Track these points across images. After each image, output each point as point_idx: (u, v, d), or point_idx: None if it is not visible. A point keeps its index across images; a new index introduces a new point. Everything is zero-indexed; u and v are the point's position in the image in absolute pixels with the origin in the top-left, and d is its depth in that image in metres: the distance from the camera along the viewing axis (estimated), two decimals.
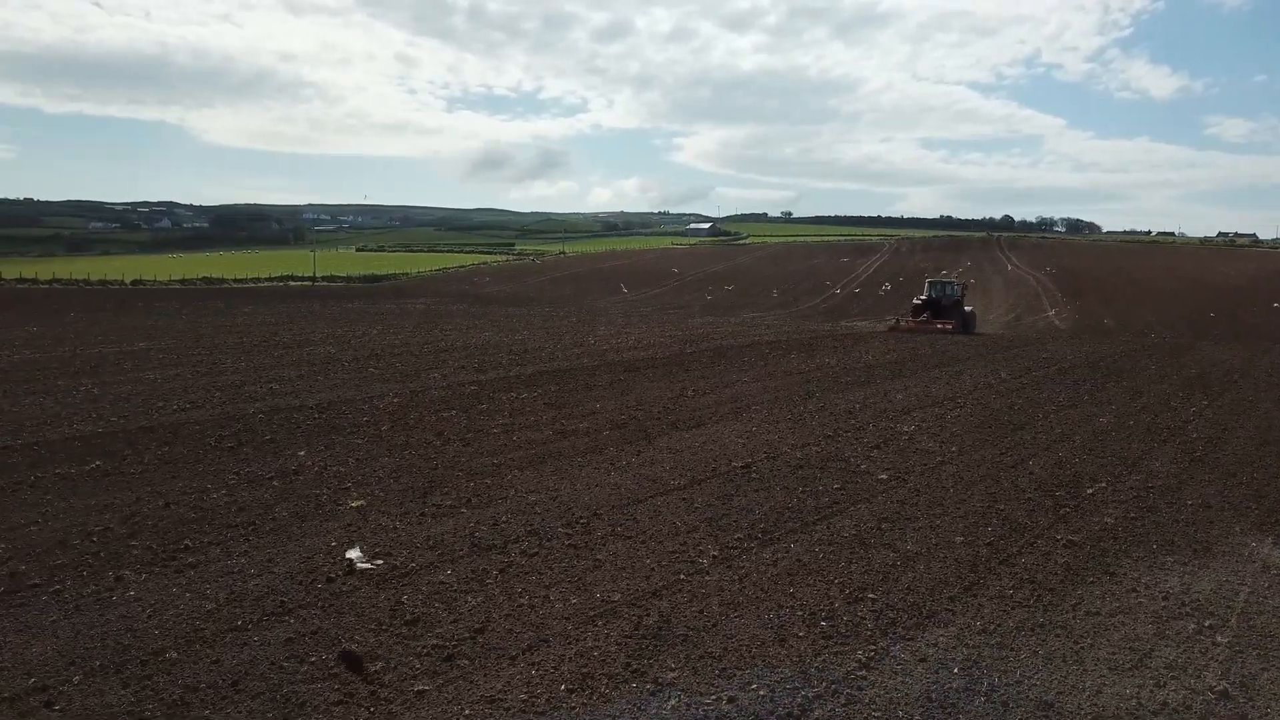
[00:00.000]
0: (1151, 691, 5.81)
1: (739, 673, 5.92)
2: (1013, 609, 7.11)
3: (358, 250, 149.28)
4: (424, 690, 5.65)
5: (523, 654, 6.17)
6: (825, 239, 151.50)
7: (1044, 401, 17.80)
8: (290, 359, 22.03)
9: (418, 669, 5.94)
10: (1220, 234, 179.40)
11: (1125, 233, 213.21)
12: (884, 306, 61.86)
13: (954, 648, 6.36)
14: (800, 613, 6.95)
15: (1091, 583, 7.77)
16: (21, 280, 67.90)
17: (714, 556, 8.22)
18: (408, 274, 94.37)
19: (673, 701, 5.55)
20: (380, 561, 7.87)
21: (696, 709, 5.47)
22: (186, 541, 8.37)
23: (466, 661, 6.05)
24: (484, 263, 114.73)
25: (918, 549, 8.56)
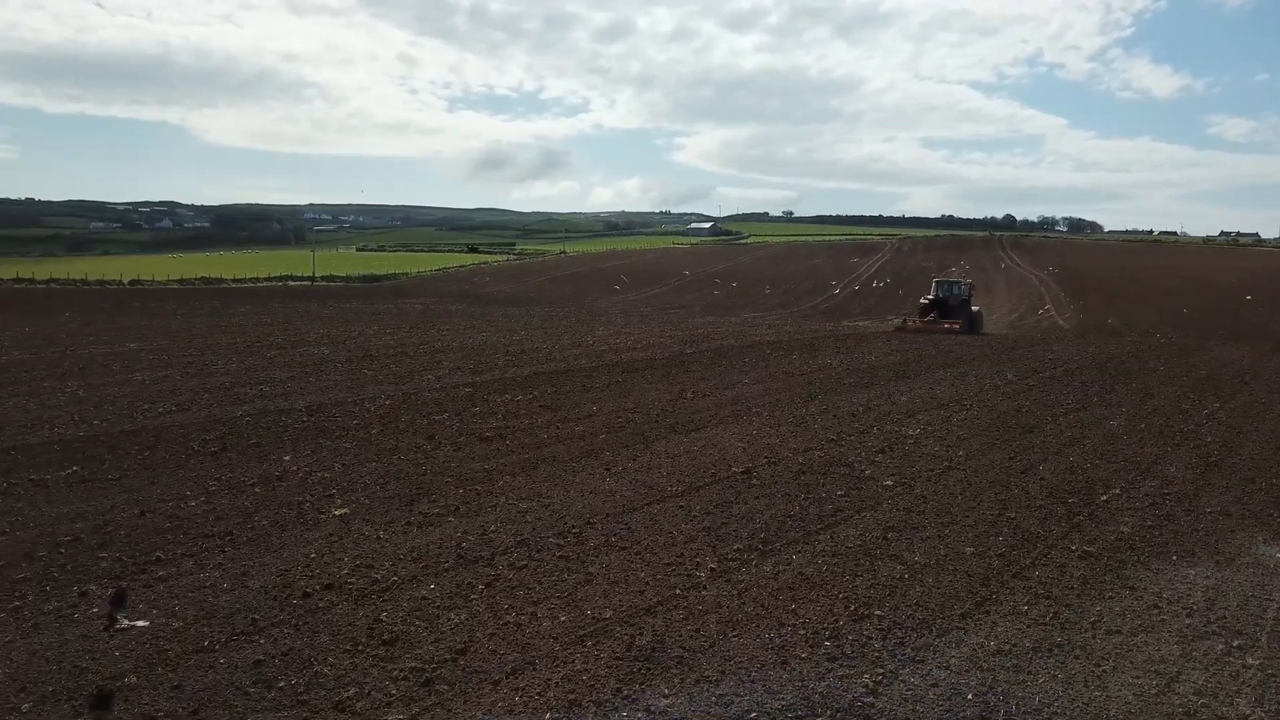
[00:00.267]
0: None
1: (737, 699, 5.52)
2: (1028, 627, 6.70)
3: (358, 250, 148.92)
4: None
5: (506, 678, 5.77)
6: (827, 239, 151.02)
7: (1052, 404, 17.38)
8: (282, 360, 21.64)
9: (392, 694, 5.54)
10: (1222, 233, 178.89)
11: (1127, 232, 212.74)
12: (886, 306, 61.42)
13: (967, 670, 5.96)
14: (803, 631, 6.54)
15: (1110, 597, 7.36)
16: (19, 280, 67.57)
17: (712, 569, 7.81)
18: (407, 274, 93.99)
19: None
20: (143, 622, 6.46)
21: None
22: (158, 553, 7.97)
23: (445, 686, 5.65)
24: (484, 263, 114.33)
25: (926, 560, 8.16)
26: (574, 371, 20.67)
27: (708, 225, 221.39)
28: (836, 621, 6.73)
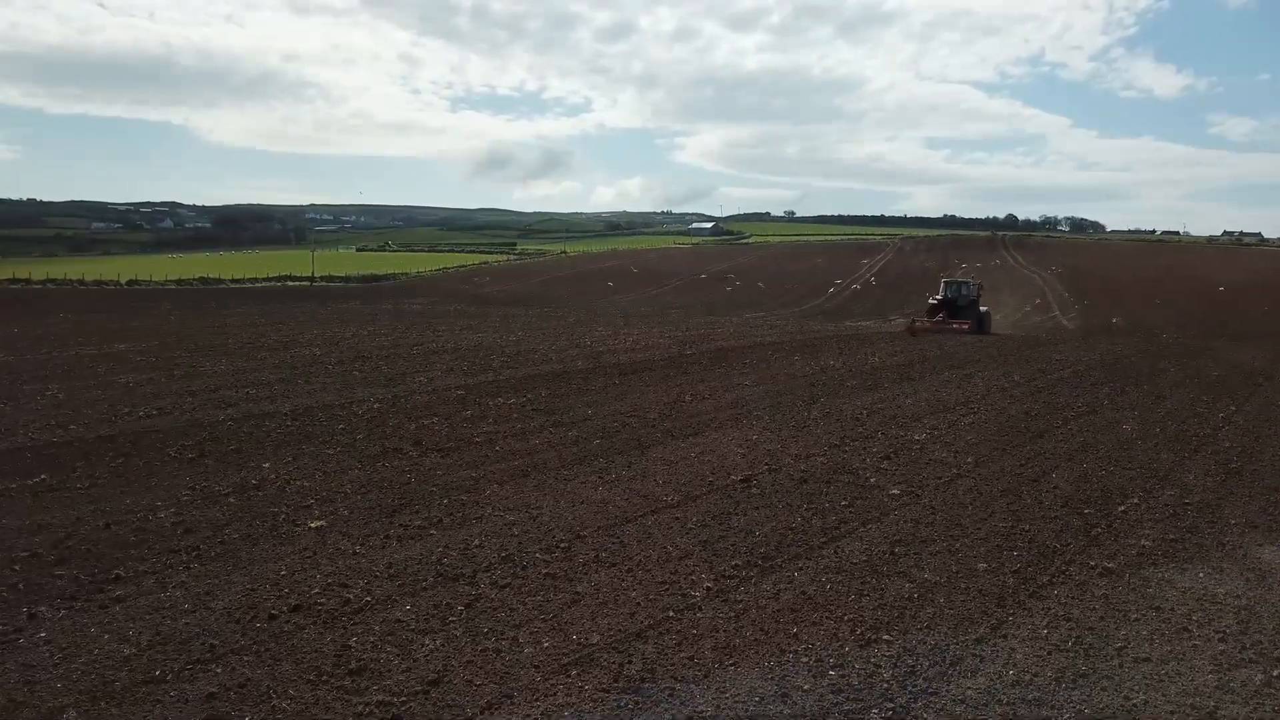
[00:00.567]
0: None
1: None
2: (1049, 654, 6.20)
3: (358, 250, 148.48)
4: None
5: (480, 713, 5.28)
6: (828, 238, 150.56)
7: (1062, 407, 16.86)
8: (272, 362, 21.15)
9: None
10: (1225, 233, 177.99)
11: (1130, 232, 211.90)
12: (888, 306, 60.92)
13: (985, 705, 5.46)
14: (806, 659, 6.05)
15: (1136, 619, 6.85)
16: (14, 280, 67.12)
17: (708, 588, 7.32)
18: (407, 274, 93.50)
19: None
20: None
21: None
22: (119, 570, 7.48)
23: None
24: (485, 263, 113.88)
25: (936, 578, 7.66)
26: (570, 373, 20.18)
27: (709, 225, 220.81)
28: (842, 648, 6.24)
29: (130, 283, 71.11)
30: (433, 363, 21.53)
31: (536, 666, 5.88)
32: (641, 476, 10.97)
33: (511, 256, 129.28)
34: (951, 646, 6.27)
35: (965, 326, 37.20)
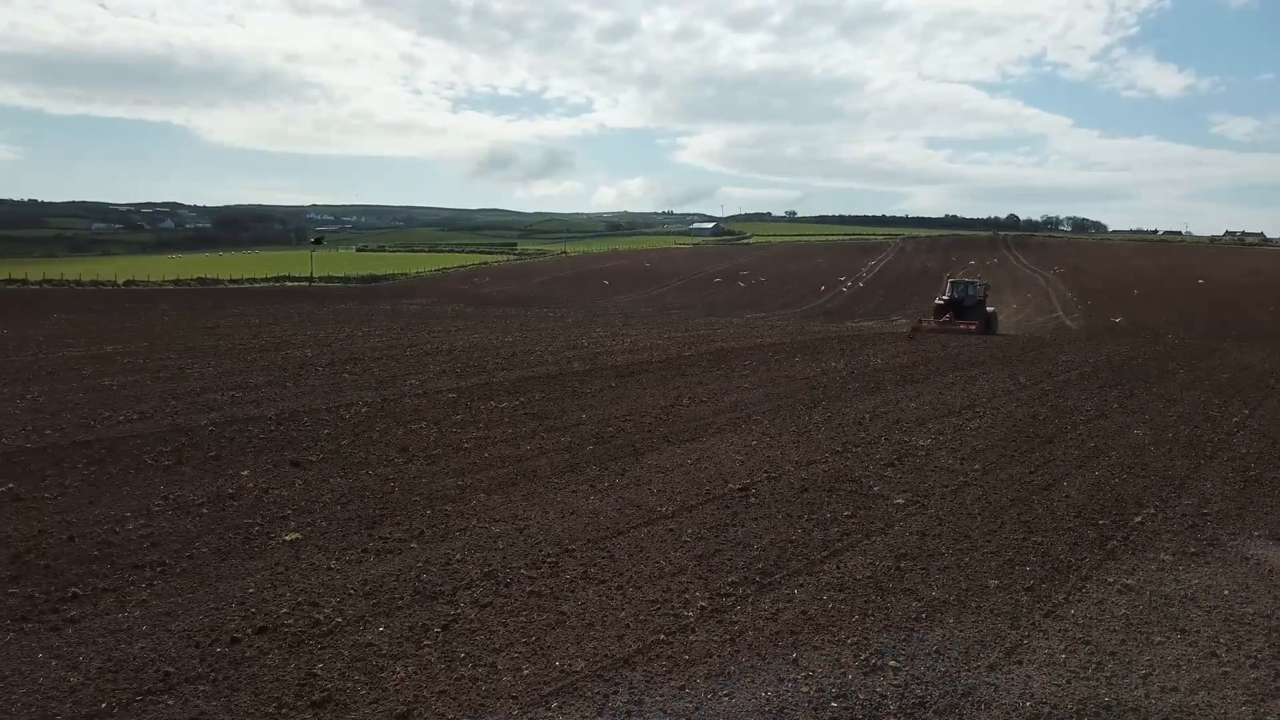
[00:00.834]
0: None
1: None
2: (1068, 682, 5.75)
3: (358, 250, 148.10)
4: None
5: None
6: (830, 238, 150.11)
7: (1070, 410, 16.40)
8: (262, 364, 20.71)
9: None
10: (1228, 233, 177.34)
11: (1131, 232, 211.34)
12: (889, 307, 60.49)
13: None
14: (806, 689, 5.60)
15: (1160, 643, 6.40)
16: (10, 281, 66.71)
17: (702, 608, 6.87)
18: (407, 274, 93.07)
19: None
20: None
21: None
22: (76, 588, 7.04)
23: None
24: (485, 263, 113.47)
25: (945, 596, 7.21)
26: (566, 375, 19.73)
27: (710, 225, 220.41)
28: (845, 675, 5.79)
29: (127, 283, 70.68)
30: (426, 365, 21.09)
31: (514, 698, 5.44)
32: (635, 485, 10.53)
33: (511, 257, 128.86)
34: (963, 674, 5.82)
35: (973, 327, 36.97)
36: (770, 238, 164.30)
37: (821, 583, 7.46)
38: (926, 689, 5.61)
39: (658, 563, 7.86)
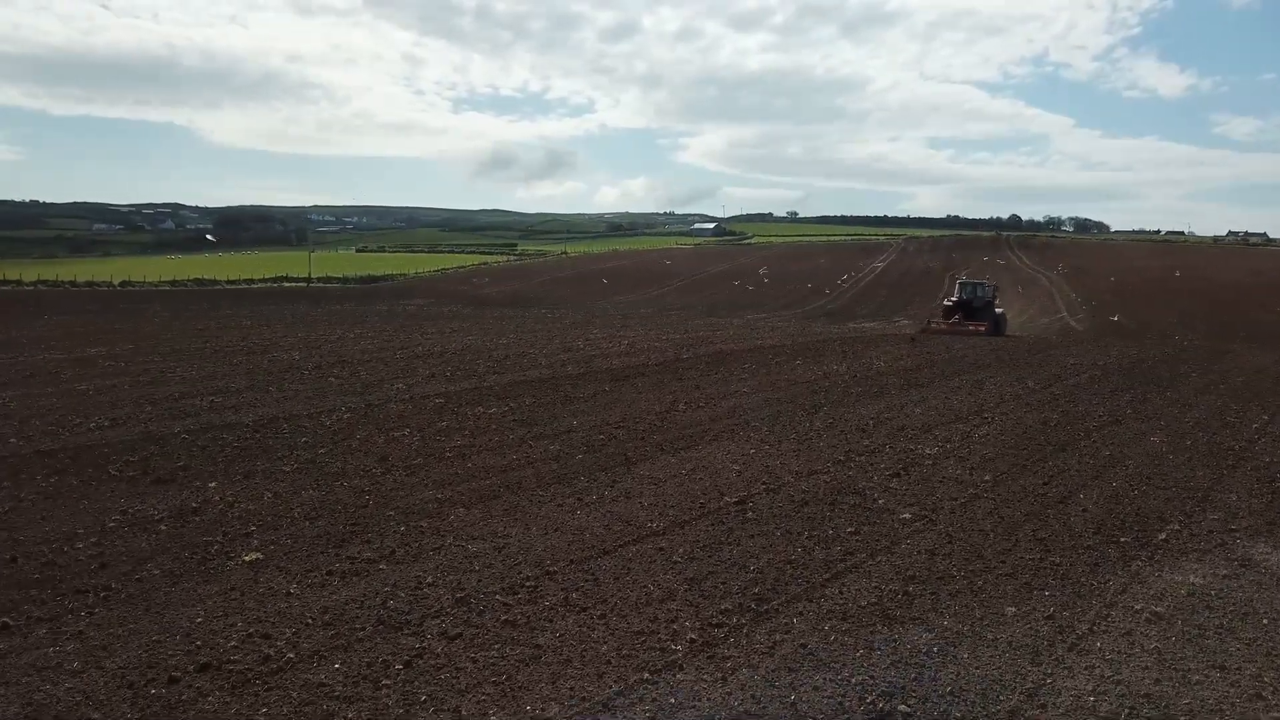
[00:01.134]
0: None
1: None
2: None
3: (357, 251, 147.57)
4: None
5: None
6: (831, 239, 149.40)
7: (1082, 416, 15.78)
8: (246, 367, 20.12)
9: None
10: (1230, 233, 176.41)
11: (1133, 232, 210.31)
12: (891, 307, 59.84)
13: None
14: None
15: (1199, 682, 5.78)
16: (5, 282, 66.12)
17: (691, 640, 6.26)
18: (405, 275, 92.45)
19: None
20: None
21: None
22: (9, 617, 6.44)
23: None
24: (484, 263, 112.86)
25: (958, 626, 6.59)
26: (559, 379, 19.12)
27: (711, 225, 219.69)
28: None
29: (123, 284, 70.09)
30: (415, 368, 20.49)
31: None
32: (625, 498, 9.92)
33: (511, 257, 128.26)
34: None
35: (982, 328, 36.75)
36: (772, 238, 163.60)
37: (822, 610, 6.85)
38: None
39: (645, 587, 7.26)
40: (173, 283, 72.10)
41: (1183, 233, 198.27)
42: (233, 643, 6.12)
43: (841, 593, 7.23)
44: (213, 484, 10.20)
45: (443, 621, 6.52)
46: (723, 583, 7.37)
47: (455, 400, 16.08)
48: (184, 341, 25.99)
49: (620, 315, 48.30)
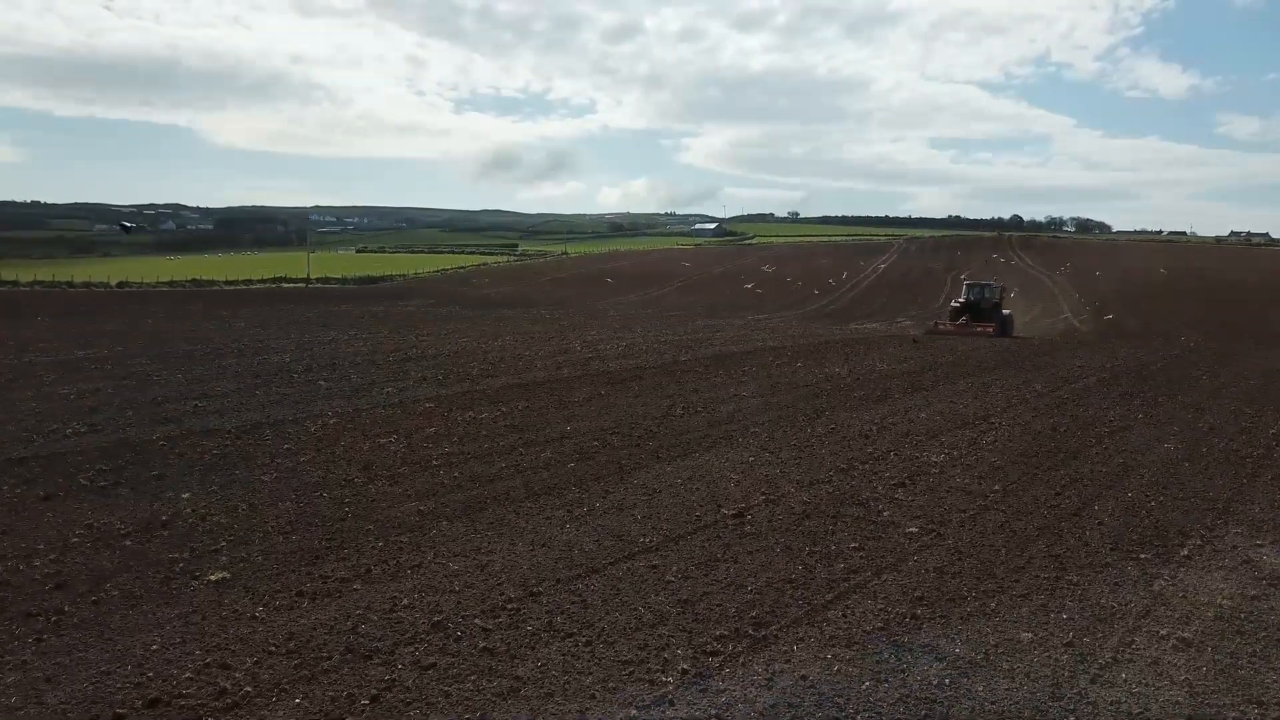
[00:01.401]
0: None
1: None
2: None
3: (358, 251, 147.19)
4: None
5: None
6: (833, 239, 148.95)
7: (1092, 421, 15.30)
8: (235, 369, 19.66)
9: None
10: (1232, 233, 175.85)
11: (1136, 232, 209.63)
12: (893, 308, 59.38)
13: None
14: None
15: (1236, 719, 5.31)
16: (1, 283, 65.79)
17: (683, 670, 5.79)
18: (405, 275, 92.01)
19: None
20: None
21: None
22: None
23: None
24: (484, 264, 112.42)
25: (971, 654, 6.12)
26: (554, 382, 18.66)
27: (712, 226, 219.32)
28: None
29: (120, 285, 69.70)
30: (407, 370, 20.03)
31: None
32: (617, 510, 9.45)
33: (512, 258, 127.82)
34: None
35: (990, 330, 36.41)
36: (773, 238, 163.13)
37: (825, 636, 6.38)
38: None
39: (635, 609, 6.79)
40: (170, 283, 71.70)
41: (1185, 233, 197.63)
42: (187, 674, 5.66)
43: (845, 615, 6.76)
44: (185, 495, 9.74)
45: (416, 649, 6.05)
46: (718, 605, 6.90)
47: (446, 404, 15.62)
48: (174, 344, 25.53)
49: (620, 316, 47.82)
